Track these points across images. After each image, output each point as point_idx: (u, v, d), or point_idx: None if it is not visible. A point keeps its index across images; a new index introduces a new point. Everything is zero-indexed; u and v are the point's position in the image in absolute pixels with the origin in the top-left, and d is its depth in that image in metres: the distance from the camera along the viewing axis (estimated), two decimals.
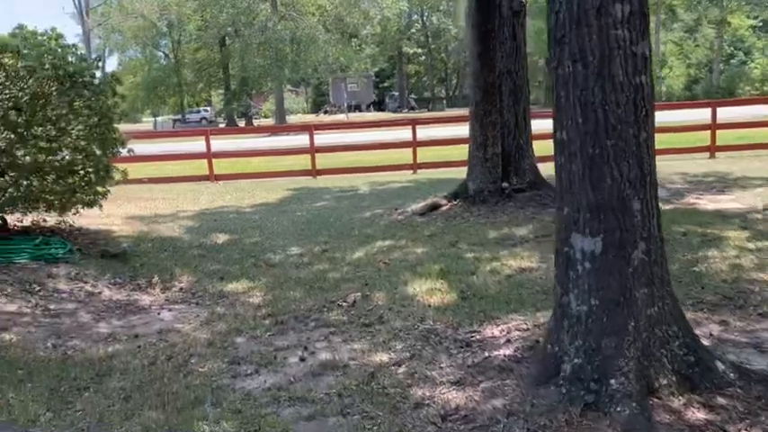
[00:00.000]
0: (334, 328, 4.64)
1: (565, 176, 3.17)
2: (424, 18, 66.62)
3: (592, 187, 3.06)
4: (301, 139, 17.36)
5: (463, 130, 19.03)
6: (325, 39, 41.12)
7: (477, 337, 4.27)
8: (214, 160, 15.25)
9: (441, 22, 68.11)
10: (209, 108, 63.04)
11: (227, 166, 16.36)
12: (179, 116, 60.05)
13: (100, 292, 5.62)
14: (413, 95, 70.12)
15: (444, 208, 8.63)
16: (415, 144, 15.15)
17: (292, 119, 54.59)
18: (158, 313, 5.27)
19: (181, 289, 5.94)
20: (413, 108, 63.88)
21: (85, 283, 5.75)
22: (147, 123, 63.82)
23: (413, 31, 67.13)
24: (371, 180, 13.58)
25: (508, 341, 4.09)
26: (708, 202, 8.71)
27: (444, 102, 67.28)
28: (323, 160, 15.74)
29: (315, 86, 69.21)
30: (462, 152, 15.94)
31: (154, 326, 4.95)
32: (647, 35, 3.02)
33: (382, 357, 4.04)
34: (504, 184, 8.68)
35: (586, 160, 3.06)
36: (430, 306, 4.95)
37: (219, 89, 57.84)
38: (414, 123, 15.44)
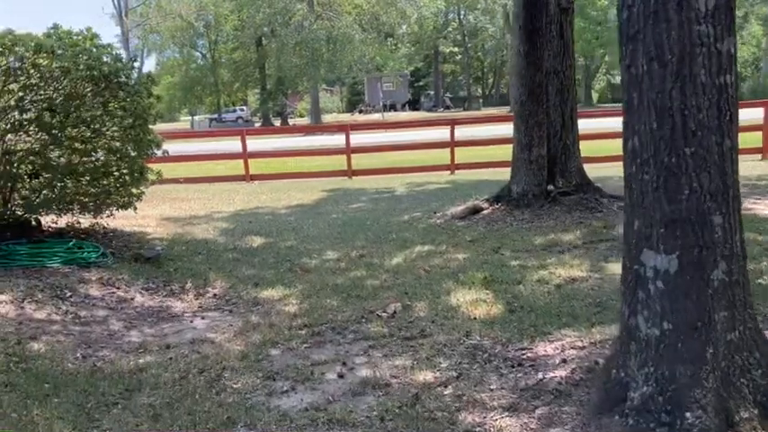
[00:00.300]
0: (373, 342, 4.39)
1: (636, 187, 2.86)
2: (461, 17, 66.04)
3: (667, 200, 2.75)
4: (337, 139, 17.16)
5: (501, 129, 18.68)
6: (361, 38, 40.98)
7: (529, 355, 3.98)
8: (249, 160, 15.14)
9: (477, 20, 67.49)
10: (244, 107, 63.47)
11: (263, 165, 16.25)
12: (216, 115, 60.53)
13: (132, 299, 5.45)
14: (448, 94, 69.70)
15: (486, 211, 8.32)
16: (453, 144, 14.85)
17: (327, 118, 54.57)
18: (191, 321, 5.08)
19: (214, 295, 5.75)
20: (448, 107, 63.49)
21: (117, 288, 5.59)
22: (184, 122, 64.57)
23: (449, 29, 66.66)
24: (408, 181, 13.33)
25: (563, 361, 3.78)
26: (765, 207, 8.26)
27: (480, 101, 66.73)
28: (358, 160, 15.55)
29: (350, 86, 69.25)
30: (501, 153, 15.59)
31: (186, 335, 4.75)
32: (732, 31, 2.70)
33: (426, 376, 3.77)
34: (550, 187, 8.33)
35: (661, 170, 2.74)
36: (475, 319, 4.67)
37: (255, 89, 58.13)
38: (452, 123, 15.13)
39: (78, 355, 4.27)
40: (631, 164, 2.87)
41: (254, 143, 18.83)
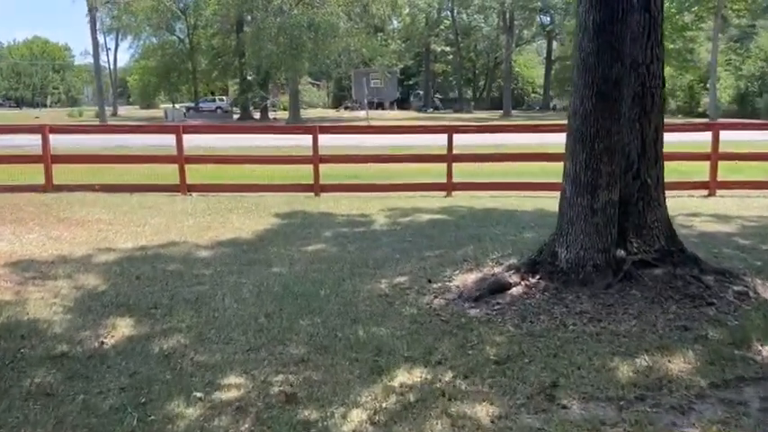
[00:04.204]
0: None
1: None
2: (455, 14, 62.93)
3: None
4: (305, 140, 13.46)
5: (508, 138, 15.46)
6: (346, 27, 37.41)
7: None
8: (191, 166, 11.68)
9: (471, 18, 64.72)
10: (224, 97, 60.00)
11: (211, 172, 12.86)
12: (192, 104, 56.70)
13: None
14: (438, 95, 66.87)
15: (515, 290, 4.99)
16: (450, 159, 11.47)
17: (311, 114, 51.03)
18: None
19: None
20: (437, 108, 60.76)
21: None
22: (161, 110, 60.76)
23: (441, 28, 63.68)
24: (391, 206, 9.98)
25: None
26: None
27: (471, 104, 63.75)
28: (329, 170, 12.07)
29: (336, 80, 65.95)
30: (510, 169, 12.36)
31: None
32: None
33: None
34: (620, 253, 5.04)
35: None
36: None
37: (236, 78, 54.32)
38: (451, 131, 11.73)
39: None
40: None
41: (202, 141, 15.47)
